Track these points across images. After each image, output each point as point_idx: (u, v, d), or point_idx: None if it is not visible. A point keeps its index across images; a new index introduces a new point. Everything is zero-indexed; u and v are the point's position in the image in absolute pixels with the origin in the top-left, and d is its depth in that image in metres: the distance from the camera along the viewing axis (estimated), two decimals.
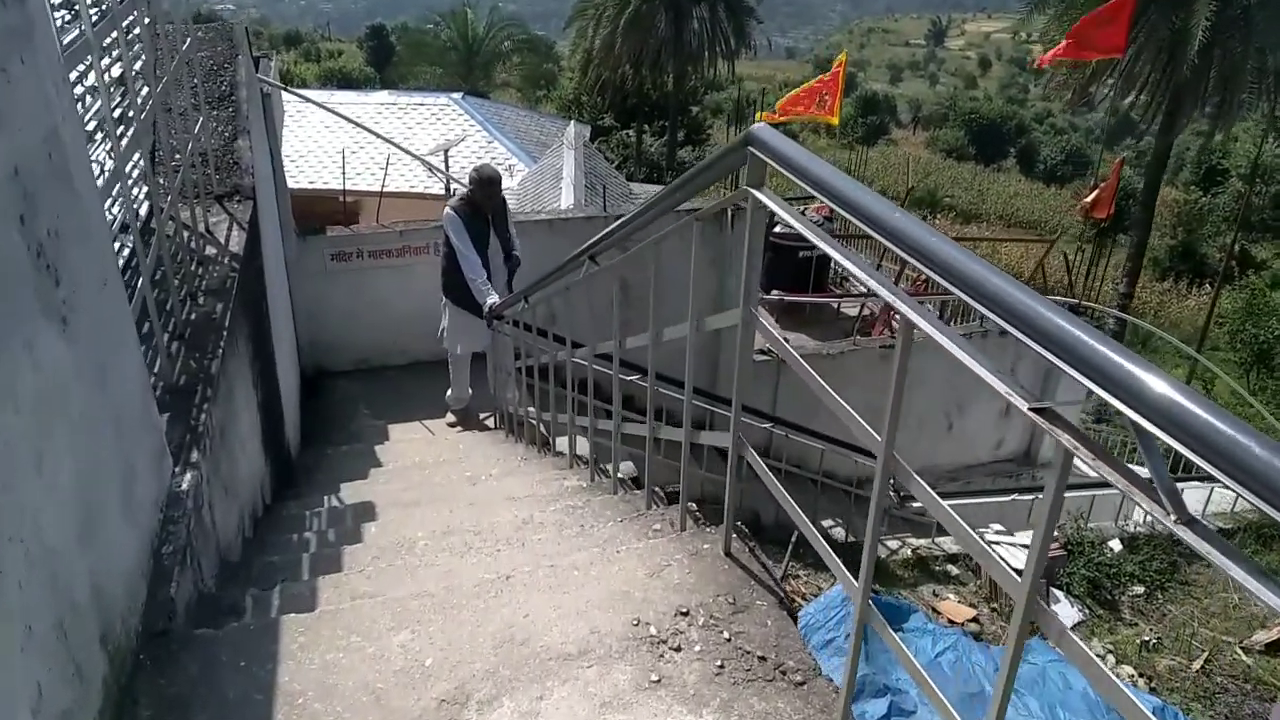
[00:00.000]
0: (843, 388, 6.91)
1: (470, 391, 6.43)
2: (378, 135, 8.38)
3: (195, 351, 3.11)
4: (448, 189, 15.84)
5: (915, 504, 7.37)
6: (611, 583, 2.17)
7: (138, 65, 3.78)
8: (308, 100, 7.98)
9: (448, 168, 15.70)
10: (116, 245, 3.28)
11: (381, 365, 7.31)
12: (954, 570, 7.37)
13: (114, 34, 3.24)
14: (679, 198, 2.65)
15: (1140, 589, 7.24)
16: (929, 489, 1.64)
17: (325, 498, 3.83)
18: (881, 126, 64.04)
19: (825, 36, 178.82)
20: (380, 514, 3.42)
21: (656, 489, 3.23)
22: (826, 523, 8.10)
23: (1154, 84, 15.84)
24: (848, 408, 1.98)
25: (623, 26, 23.19)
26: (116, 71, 3.37)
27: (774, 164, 1.93)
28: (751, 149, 2.01)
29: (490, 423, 6.47)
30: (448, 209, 5.95)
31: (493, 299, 5.71)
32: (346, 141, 17.29)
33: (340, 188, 16.32)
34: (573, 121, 18.19)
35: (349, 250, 6.85)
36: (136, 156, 3.30)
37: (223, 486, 2.87)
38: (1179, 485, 1.13)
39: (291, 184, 16.35)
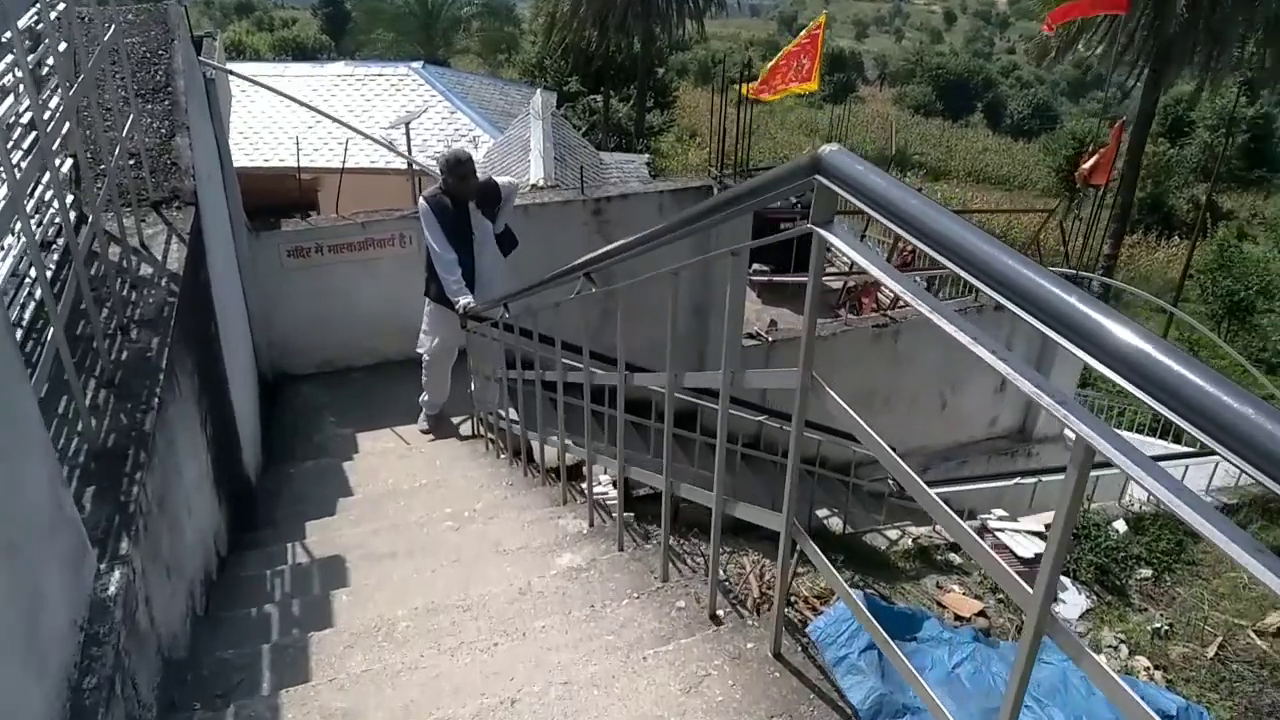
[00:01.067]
0: (835, 370, 6.50)
1: (447, 395, 5.99)
2: (331, 118, 7.84)
3: (127, 402, 2.66)
4: (410, 164, 15.21)
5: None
6: (641, 704, 1.78)
7: (50, 59, 3.28)
8: (257, 84, 7.38)
9: (410, 142, 15.07)
10: (31, 270, 2.80)
11: (347, 367, 6.83)
12: (956, 559, 7.09)
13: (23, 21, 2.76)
14: (712, 221, 2.22)
15: (1148, 571, 7.01)
16: (949, 510, 1.32)
17: (289, 547, 3.40)
18: (849, 84, 63.42)
19: None
20: (352, 573, 3.00)
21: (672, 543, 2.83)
22: (822, 513, 7.79)
23: (1141, 40, 15.49)
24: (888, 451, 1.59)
25: None
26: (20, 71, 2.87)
27: (851, 197, 1.51)
28: (820, 177, 1.58)
29: (465, 428, 6.03)
30: (421, 199, 5.46)
31: (465, 300, 5.26)
32: (304, 116, 16.54)
33: (294, 165, 15.62)
34: (539, 90, 17.52)
35: (306, 245, 6.34)
36: (58, 164, 2.82)
37: (164, 569, 2.43)
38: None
39: (245, 162, 15.69)
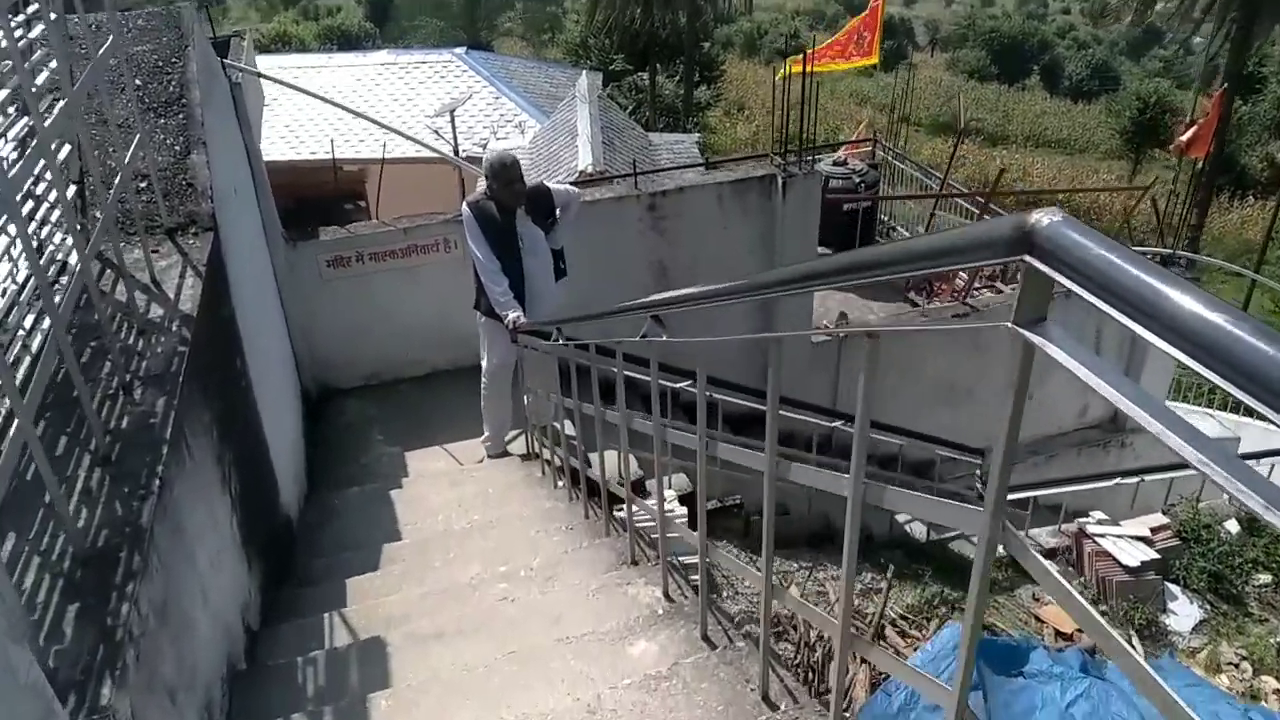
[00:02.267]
0: (913, 364, 5.87)
1: (509, 423, 5.56)
2: (367, 118, 7.49)
3: (123, 485, 2.26)
4: (456, 150, 14.87)
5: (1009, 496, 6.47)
6: None
7: (43, 74, 2.91)
8: (284, 85, 7.03)
9: (455, 130, 14.70)
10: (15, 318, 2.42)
11: (394, 379, 6.46)
12: (1052, 567, 6.53)
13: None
14: (849, 277, 1.72)
15: (1267, 578, 6.38)
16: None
17: (326, 620, 3.01)
18: (899, 50, 61.73)
19: None
20: (394, 664, 2.59)
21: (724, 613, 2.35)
22: (901, 518, 7.27)
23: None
24: None
25: None
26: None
27: (1078, 288, 1.00)
28: (1033, 260, 1.08)
29: (519, 444, 5.62)
30: (464, 205, 5.03)
31: (514, 313, 4.82)
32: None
33: (341, 158, 15.39)
34: (584, 72, 17.05)
35: (346, 254, 5.96)
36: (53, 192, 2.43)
37: (166, 695, 2.04)
38: None
39: (292, 156, 15.49)
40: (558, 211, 5.11)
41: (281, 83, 6.25)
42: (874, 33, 11.39)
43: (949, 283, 8.99)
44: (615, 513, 4.75)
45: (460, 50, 17.78)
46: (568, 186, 5.35)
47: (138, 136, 3.43)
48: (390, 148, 15.71)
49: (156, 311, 3.07)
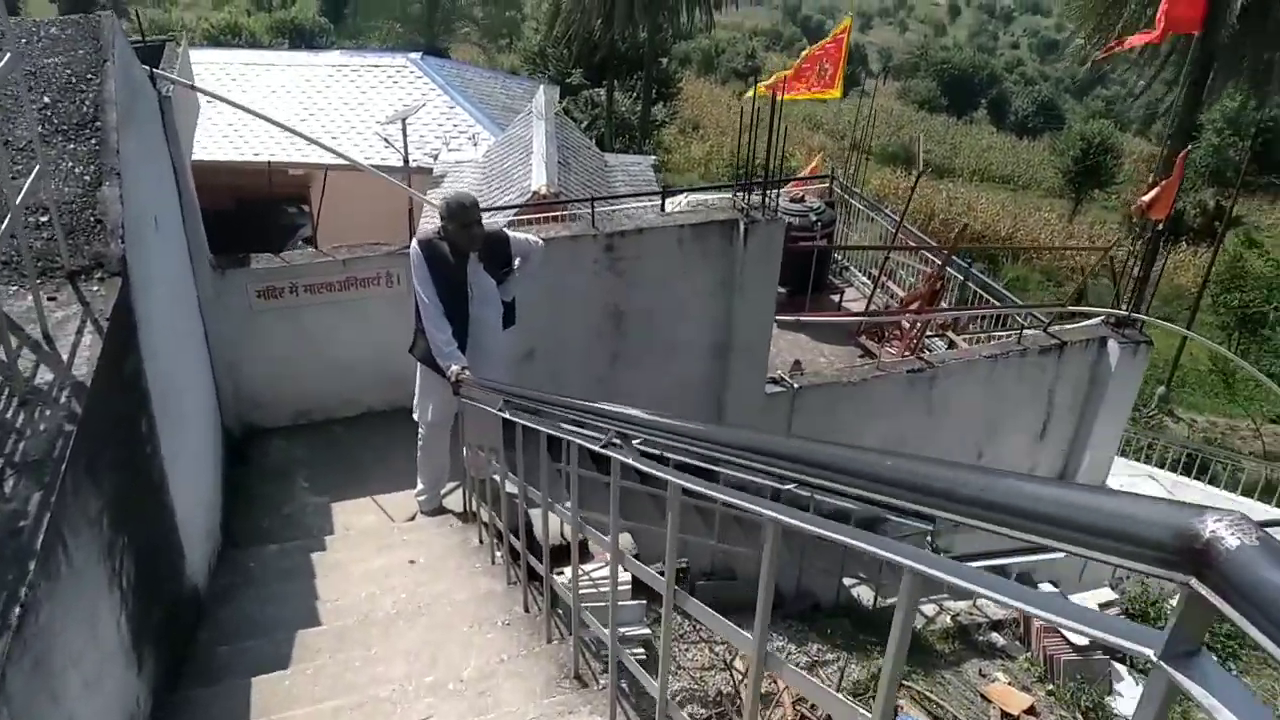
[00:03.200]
0: (867, 421, 5.62)
1: (446, 476, 5.20)
2: (301, 135, 7.05)
3: None
4: (406, 160, 14.40)
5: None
6: None
7: None
8: (221, 100, 6.58)
9: (405, 138, 14.23)
10: None
11: (326, 419, 6.05)
12: (999, 640, 6.38)
13: None
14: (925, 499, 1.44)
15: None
16: None
17: None
18: (853, 77, 62.61)
19: None
20: None
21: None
22: (848, 581, 7.06)
23: (1180, 52, 14.67)
24: None
25: None
26: None
27: (1263, 637, 0.73)
28: (1202, 588, 0.80)
29: (457, 498, 5.26)
30: (414, 241, 4.68)
31: (457, 366, 4.47)
32: (295, 107, 15.71)
33: (286, 160, 14.82)
34: (541, 86, 16.72)
35: (279, 285, 5.54)
36: None
37: None
38: None
39: (225, 157, 14.82)
40: (515, 262, 4.79)
41: (214, 96, 5.80)
42: (837, 65, 11.27)
43: (904, 332, 8.86)
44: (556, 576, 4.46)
45: (415, 55, 17.31)
46: (529, 236, 5.01)
47: (38, 165, 3.03)
48: (341, 152, 15.18)
49: (45, 376, 2.68)
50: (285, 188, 15.58)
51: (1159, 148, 42.46)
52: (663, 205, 6.72)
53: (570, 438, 2.62)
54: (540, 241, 4.94)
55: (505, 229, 4.92)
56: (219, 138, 14.86)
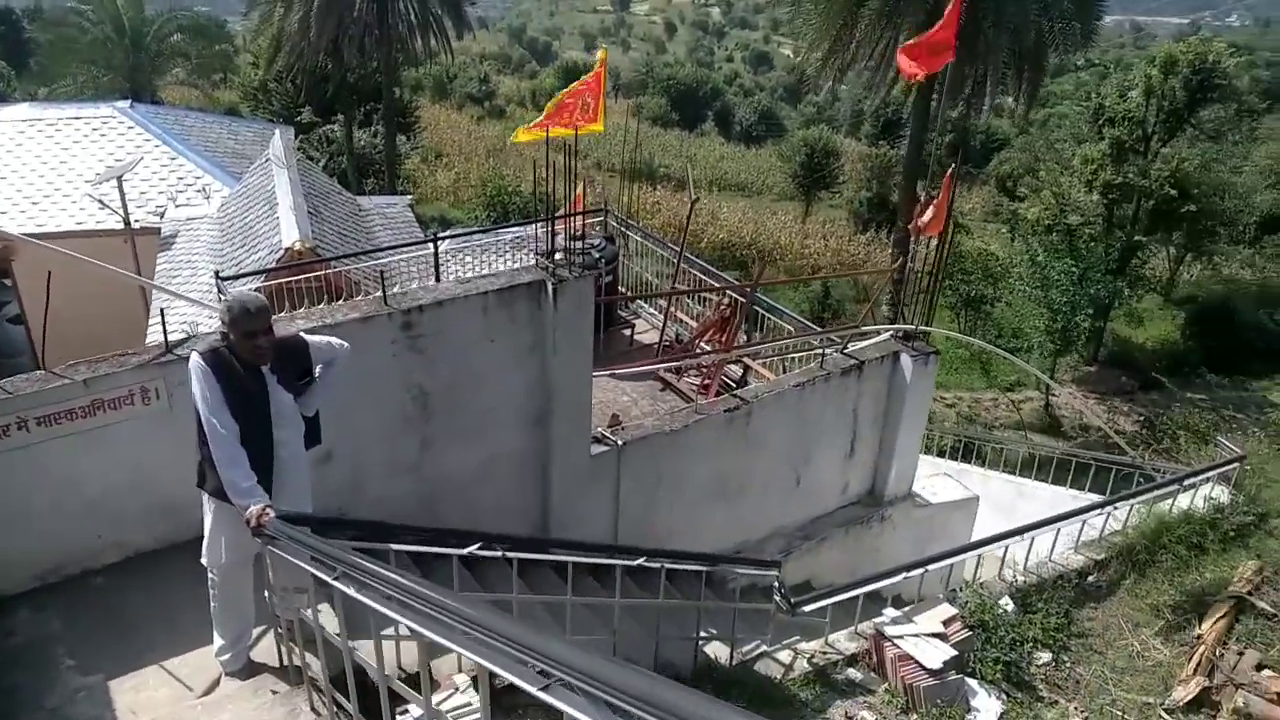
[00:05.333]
0: (692, 466, 5.33)
1: (251, 626, 4.35)
2: None
3: None
4: (127, 222, 12.69)
5: (807, 608, 6.22)
6: None
7: None
8: None
9: (124, 197, 12.51)
10: None
11: (83, 572, 4.95)
12: (857, 675, 6.35)
13: None
14: None
15: (1046, 656, 6.61)
16: None
17: None
18: None
19: (514, 4, 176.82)
20: None
21: None
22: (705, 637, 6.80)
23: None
24: None
25: (316, 9, 20.08)
26: None
27: None
28: None
29: (269, 646, 4.44)
30: (195, 355, 3.84)
31: (257, 505, 3.71)
32: None
33: None
34: (278, 130, 15.39)
35: (2, 422, 4.44)
36: None
37: None
38: None
39: None
40: (316, 370, 4.07)
41: None
42: (597, 100, 11.08)
43: (711, 372, 8.78)
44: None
45: (123, 104, 15.42)
46: (331, 339, 4.29)
47: None
48: (43, 220, 13.15)
49: None
50: None
51: (870, 147, 46.48)
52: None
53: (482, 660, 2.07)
54: (345, 344, 4.26)
55: (302, 333, 4.19)
56: None
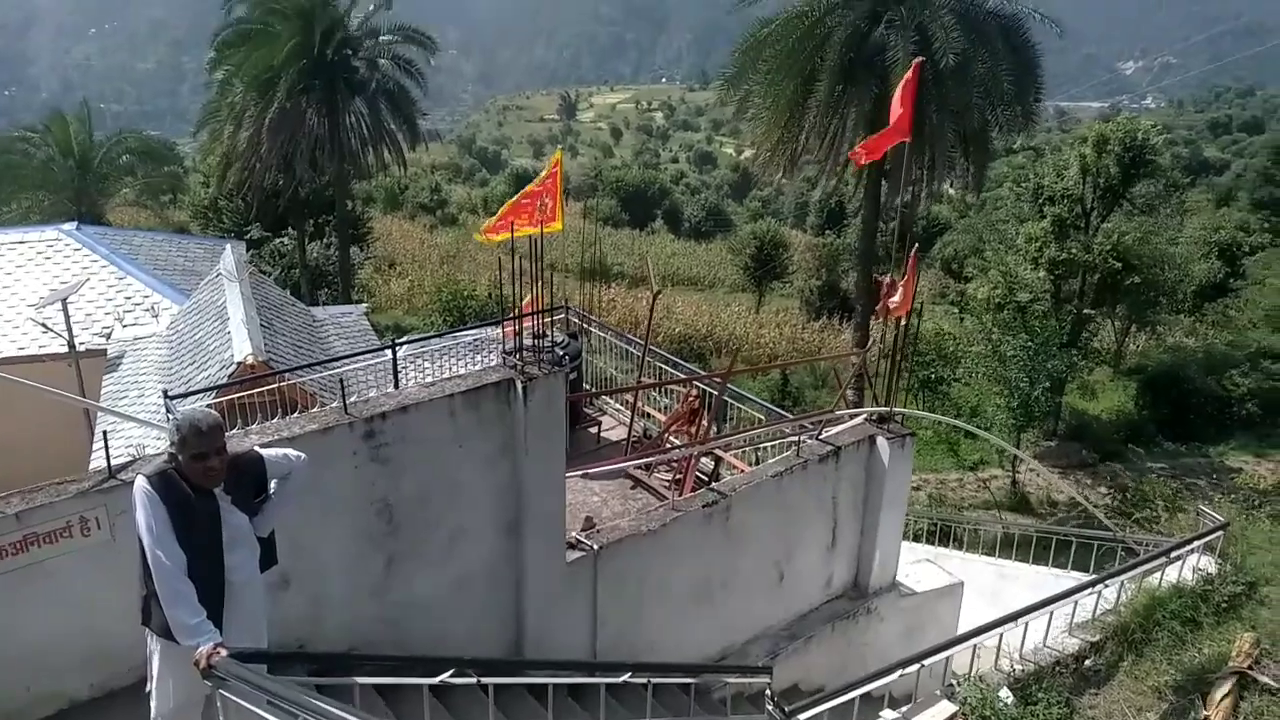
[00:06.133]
0: (672, 568, 4.94)
1: None
2: None
3: None
4: (71, 345, 12.30)
5: (801, 716, 5.84)
6: None
7: None
8: None
9: (69, 319, 12.14)
10: None
11: None
12: None
13: None
14: None
15: None
16: None
17: None
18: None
19: (463, 117, 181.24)
20: None
21: None
22: None
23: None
24: None
25: (268, 126, 20.21)
26: None
27: None
28: None
29: None
30: (140, 479, 3.53)
31: (202, 641, 3.36)
32: None
33: None
34: (229, 245, 15.22)
35: None
36: None
37: None
38: None
39: None
40: (272, 486, 3.78)
41: None
42: (555, 199, 11.08)
43: (684, 466, 8.54)
44: None
45: (69, 226, 15.18)
46: (288, 451, 4.00)
47: None
48: None
49: None
50: None
51: (817, 237, 47.56)
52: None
53: None
54: (302, 456, 3.98)
55: (257, 448, 3.90)
56: None
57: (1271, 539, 8.37)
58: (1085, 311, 24.56)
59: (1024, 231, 25.56)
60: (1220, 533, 7.92)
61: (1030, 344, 20.61)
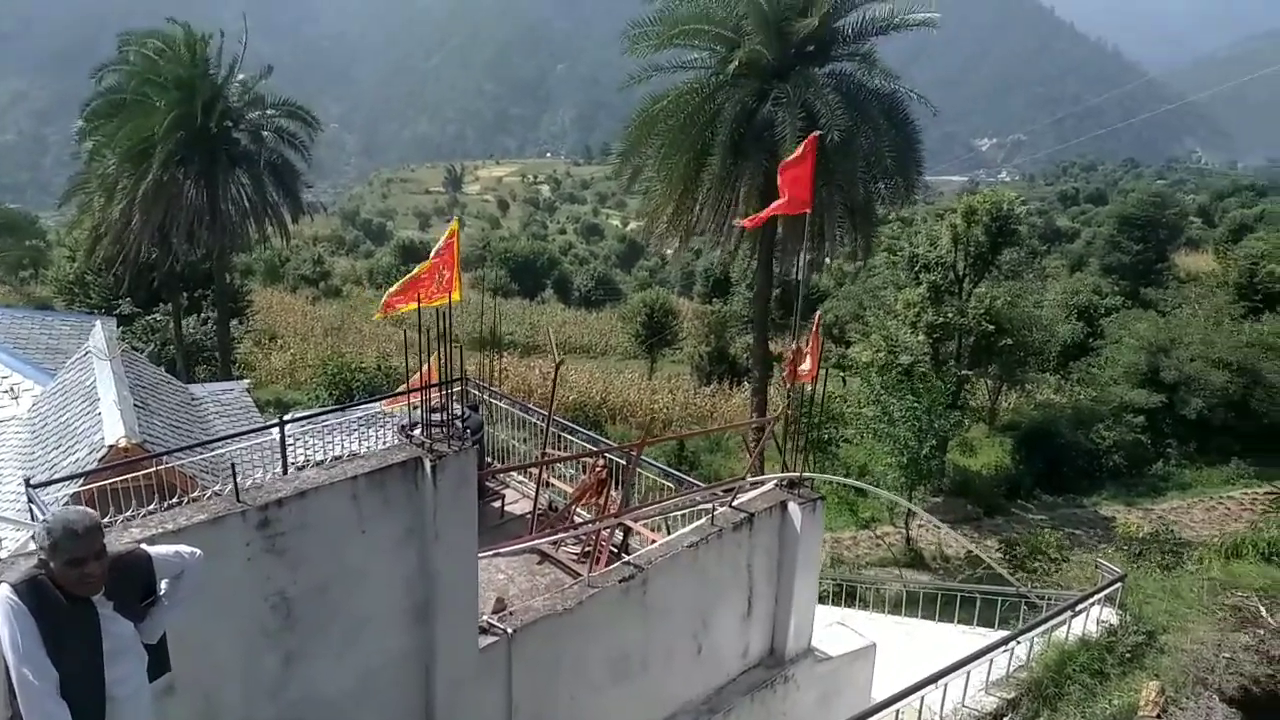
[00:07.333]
0: (589, 647, 4.72)
1: None
2: None
3: None
4: None
5: None
6: None
7: None
8: None
9: None
10: None
11: None
12: None
13: None
14: None
15: None
16: None
17: None
18: None
19: (346, 189, 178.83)
20: None
21: None
22: None
23: (749, 233, 16.74)
24: None
25: (141, 199, 19.30)
26: None
27: None
28: None
29: None
30: (4, 587, 3.11)
31: None
32: None
33: None
34: (99, 321, 14.32)
35: None
36: None
37: None
38: None
39: None
40: (162, 586, 3.41)
41: None
42: (452, 270, 10.89)
43: (595, 539, 8.31)
44: None
45: None
46: (179, 547, 3.63)
47: None
48: None
49: None
50: None
51: (704, 305, 48.42)
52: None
53: None
54: (196, 553, 3.63)
55: (144, 545, 3.53)
56: None
57: (1164, 587, 8.70)
58: (963, 372, 25.64)
59: (902, 297, 26.66)
60: (1119, 584, 8.19)
61: (918, 404, 21.31)
